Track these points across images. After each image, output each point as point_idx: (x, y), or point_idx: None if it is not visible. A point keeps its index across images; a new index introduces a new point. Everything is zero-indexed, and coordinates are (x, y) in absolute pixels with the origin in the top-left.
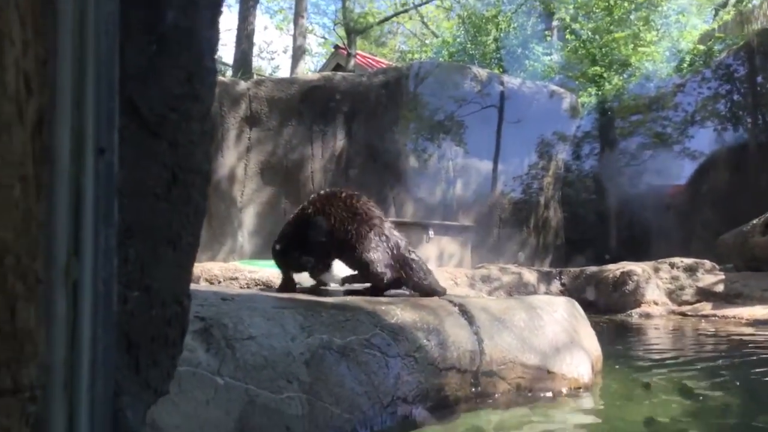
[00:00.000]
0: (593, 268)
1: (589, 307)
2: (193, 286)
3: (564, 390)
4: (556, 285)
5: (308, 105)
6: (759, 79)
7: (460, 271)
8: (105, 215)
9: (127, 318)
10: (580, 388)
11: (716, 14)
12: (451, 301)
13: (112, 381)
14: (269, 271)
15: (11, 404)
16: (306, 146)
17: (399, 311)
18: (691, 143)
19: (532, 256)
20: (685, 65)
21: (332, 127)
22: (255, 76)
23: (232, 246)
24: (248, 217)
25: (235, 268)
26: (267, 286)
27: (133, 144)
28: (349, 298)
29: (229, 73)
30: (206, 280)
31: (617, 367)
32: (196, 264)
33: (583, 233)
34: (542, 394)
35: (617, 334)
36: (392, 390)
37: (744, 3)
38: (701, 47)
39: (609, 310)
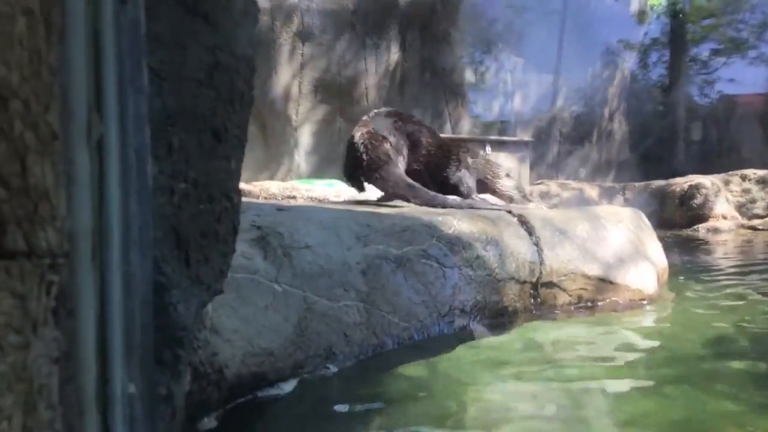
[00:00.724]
0: (659, 182)
1: (654, 221)
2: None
3: (627, 301)
4: (619, 200)
5: (361, 16)
6: None
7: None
8: (132, 76)
9: (174, 210)
10: (644, 299)
11: None
12: (510, 212)
13: (150, 260)
14: (326, 189)
15: (26, 268)
16: (360, 61)
17: (456, 222)
18: None
19: (595, 171)
20: None
21: (386, 39)
22: None
23: (289, 165)
24: (304, 136)
25: (293, 187)
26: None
27: (169, 21)
28: (406, 209)
29: None
30: (264, 198)
31: (681, 279)
32: (254, 183)
33: (649, 146)
34: (604, 305)
35: (682, 247)
36: (449, 300)
37: None
38: None
39: (676, 224)
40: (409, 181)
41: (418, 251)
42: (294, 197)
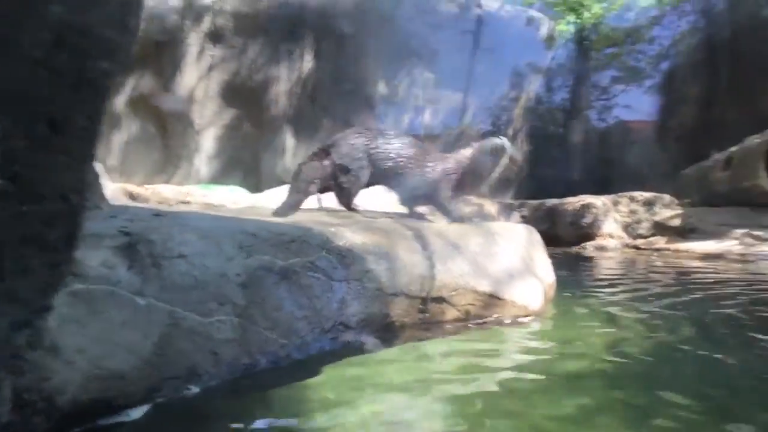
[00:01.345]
0: (553, 201)
1: (547, 239)
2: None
3: (513, 317)
4: (515, 217)
5: (275, 22)
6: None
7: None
8: None
9: None
10: (529, 315)
11: None
12: (406, 225)
13: None
14: (225, 196)
15: None
16: (272, 67)
17: (349, 233)
18: (663, 78)
19: (495, 187)
20: None
21: (300, 47)
22: None
23: (188, 169)
24: (207, 140)
25: (188, 192)
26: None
27: None
28: (302, 218)
29: None
30: (156, 202)
31: (568, 295)
32: (146, 186)
33: (548, 167)
34: (491, 321)
35: (571, 265)
36: (335, 315)
37: None
38: None
39: (567, 242)
40: None
41: (305, 263)
42: (188, 202)
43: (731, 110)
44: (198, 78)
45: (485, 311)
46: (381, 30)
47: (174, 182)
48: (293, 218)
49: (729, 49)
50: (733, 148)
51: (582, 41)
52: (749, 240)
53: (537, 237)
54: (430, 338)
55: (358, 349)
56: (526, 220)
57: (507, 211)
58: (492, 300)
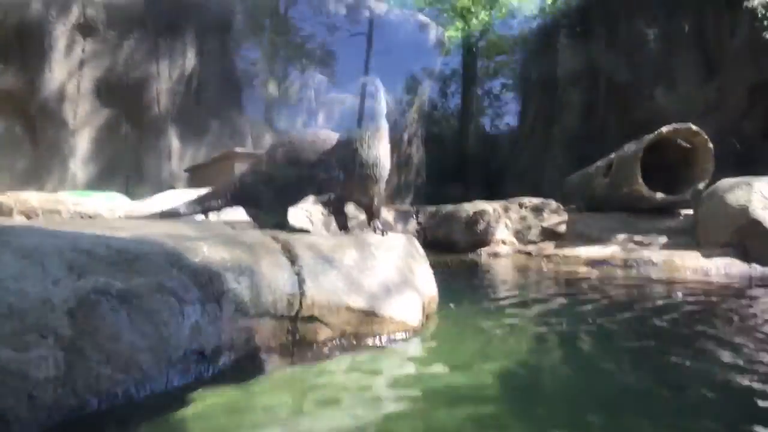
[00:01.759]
0: (449, 207)
1: (443, 245)
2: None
3: (391, 335)
4: (413, 224)
5: (154, 15)
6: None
7: (316, 208)
8: None
9: None
10: (408, 331)
11: None
12: (274, 238)
13: None
14: (101, 204)
15: None
16: (151, 63)
17: (206, 248)
18: (548, 87)
19: (393, 194)
20: (548, 4)
21: (181, 43)
22: None
23: (62, 175)
24: (82, 142)
25: (56, 200)
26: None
27: None
28: (152, 231)
29: None
30: (22, 213)
31: (452, 306)
32: (8, 193)
33: (443, 172)
34: (368, 340)
35: (462, 273)
36: (186, 343)
37: None
38: None
39: (462, 248)
40: None
41: (151, 284)
42: (58, 211)
43: (610, 118)
44: (68, 74)
45: (362, 329)
46: (272, 28)
47: (48, 189)
48: (143, 231)
49: (607, 59)
50: (612, 155)
51: (471, 48)
52: (631, 245)
53: (418, 248)
54: (302, 363)
55: (214, 381)
56: (422, 226)
57: (404, 217)
58: (368, 317)
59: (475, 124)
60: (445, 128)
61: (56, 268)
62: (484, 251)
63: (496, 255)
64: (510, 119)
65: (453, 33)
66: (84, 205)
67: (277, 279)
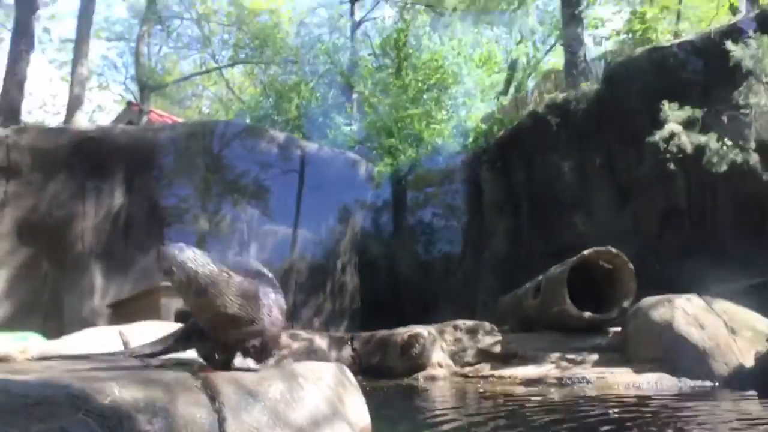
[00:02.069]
0: (383, 332)
1: (379, 371)
2: None
3: None
4: (347, 350)
5: (81, 158)
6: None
7: None
8: None
9: None
10: None
11: (497, 99)
12: (194, 374)
13: None
14: (11, 344)
15: None
16: (76, 203)
17: (117, 389)
18: (476, 215)
19: (328, 320)
20: (470, 142)
21: (109, 183)
22: (20, 125)
23: None
24: (0, 282)
25: None
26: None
27: None
28: (59, 375)
29: None
30: None
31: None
32: None
33: (378, 298)
34: None
35: (397, 398)
36: None
37: (521, 91)
38: (483, 126)
39: (398, 374)
40: None
41: (52, 429)
42: None
43: (536, 243)
44: None
45: None
46: (202, 164)
47: None
48: (50, 374)
49: (527, 190)
50: (540, 277)
51: (400, 181)
52: (564, 363)
53: (349, 376)
54: None
55: None
56: (357, 352)
57: (338, 344)
58: None
59: (408, 250)
60: (379, 256)
61: None
62: (420, 375)
63: (433, 378)
64: (442, 245)
65: (382, 168)
66: None
67: (194, 418)
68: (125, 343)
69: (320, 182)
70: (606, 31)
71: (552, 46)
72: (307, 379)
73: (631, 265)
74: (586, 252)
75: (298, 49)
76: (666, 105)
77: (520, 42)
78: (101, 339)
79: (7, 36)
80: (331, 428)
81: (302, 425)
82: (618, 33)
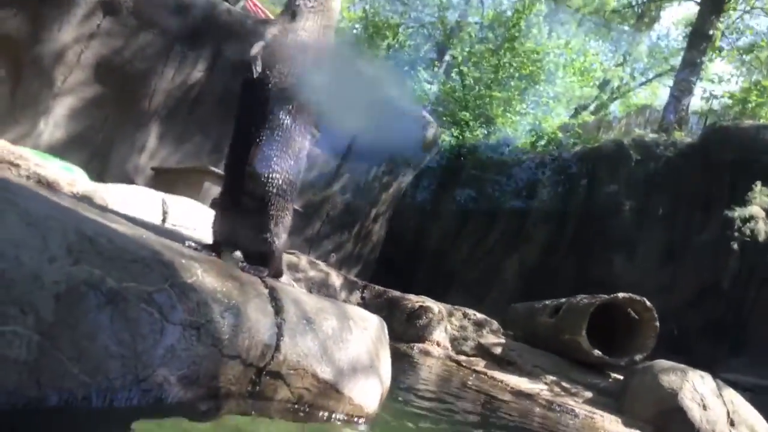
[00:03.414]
0: (396, 293)
1: None
2: None
3: (346, 415)
4: (356, 296)
5: (179, 20)
6: (585, 181)
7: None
8: None
9: None
10: (362, 416)
11: (576, 113)
12: (264, 282)
13: None
14: (60, 172)
15: None
16: (159, 60)
17: (200, 272)
18: (513, 214)
19: (344, 260)
20: (542, 145)
21: (195, 53)
22: None
23: (29, 130)
24: (61, 108)
25: (20, 155)
26: (51, 189)
27: None
28: (152, 237)
29: None
30: None
31: (400, 399)
32: None
33: (397, 257)
34: (320, 414)
35: (395, 365)
36: (157, 363)
37: (605, 112)
38: (559, 135)
39: (396, 337)
40: None
41: (141, 292)
42: (18, 165)
43: (567, 264)
44: (75, 40)
45: (319, 401)
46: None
47: (8, 137)
48: (141, 232)
49: (580, 210)
50: (562, 300)
51: (460, 156)
52: (557, 389)
53: (386, 334)
54: (254, 415)
55: (168, 410)
56: (364, 303)
57: (350, 287)
58: (330, 390)
59: (442, 223)
60: (413, 218)
61: (56, 246)
62: (417, 346)
63: (427, 354)
64: (476, 231)
65: (446, 138)
66: (47, 170)
67: (258, 325)
68: (165, 213)
69: (384, 127)
70: (718, 88)
71: (648, 81)
72: (356, 324)
73: (657, 324)
74: (620, 295)
75: None
76: (758, 186)
77: (620, 65)
78: (143, 198)
79: None
80: (366, 379)
81: (343, 368)
82: (732, 96)
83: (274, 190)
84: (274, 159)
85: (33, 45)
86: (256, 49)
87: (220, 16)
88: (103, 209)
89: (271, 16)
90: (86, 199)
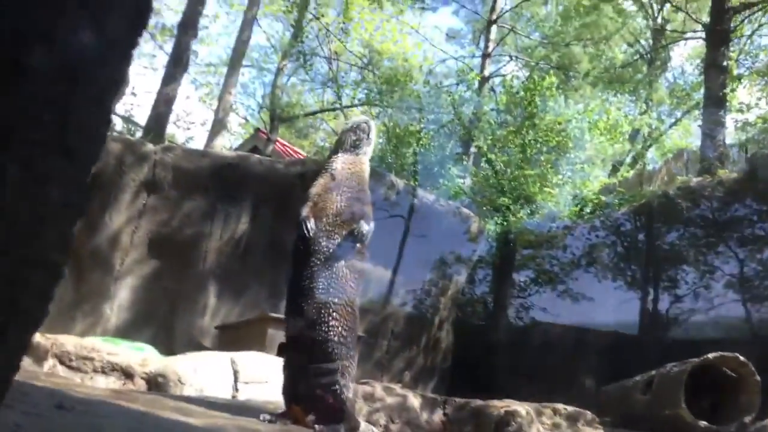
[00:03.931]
0: (478, 402)
1: None
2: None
3: None
4: (438, 414)
5: (216, 181)
6: (643, 236)
7: None
8: None
9: None
10: None
11: (613, 170)
12: None
13: None
14: (131, 354)
15: None
16: (206, 223)
17: None
18: (574, 285)
19: (418, 376)
20: (587, 211)
21: (237, 208)
22: (166, 142)
23: (97, 318)
24: (123, 290)
25: (92, 347)
26: (125, 374)
27: None
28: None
29: (139, 134)
30: (56, 356)
31: None
32: (47, 335)
33: (470, 360)
34: None
35: None
36: None
37: (643, 162)
38: (603, 198)
39: None
40: None
41: None
42: (92, 359)
43: (650, 334)
44: (126, 223)
45: None
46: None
47: (76, 331)
48: (219, 422)
49: (642, 270)
50: (653, 372)
51: (508, 242)
52: None
53: None
54: None
55: None
56: (448, 418)
57: (431, 406)
58: None
59: (507, 315)
60: (477, 316)
61: None
62: None
63: None
64: (536, 313)
65: (490, 226)
66: (120, 356)
67: None
68: (236, 372)
69: (427, 232)
70: (751, 116)
71: (678, 120)
72: None
73: (757, 377)
74: (710, 355)
75: (424, 97)
76: None
77: (644, 113)
78: (212, 364)
79: (160, 55)
80: None
81: None
82: (765, 121)
83: (334, 320)
84: (331, 290)
85: (89, 237)
86: (306, 211)
87: (253, 168)
88: (177, 398)
89: (301, 152)
90: (160, 377)
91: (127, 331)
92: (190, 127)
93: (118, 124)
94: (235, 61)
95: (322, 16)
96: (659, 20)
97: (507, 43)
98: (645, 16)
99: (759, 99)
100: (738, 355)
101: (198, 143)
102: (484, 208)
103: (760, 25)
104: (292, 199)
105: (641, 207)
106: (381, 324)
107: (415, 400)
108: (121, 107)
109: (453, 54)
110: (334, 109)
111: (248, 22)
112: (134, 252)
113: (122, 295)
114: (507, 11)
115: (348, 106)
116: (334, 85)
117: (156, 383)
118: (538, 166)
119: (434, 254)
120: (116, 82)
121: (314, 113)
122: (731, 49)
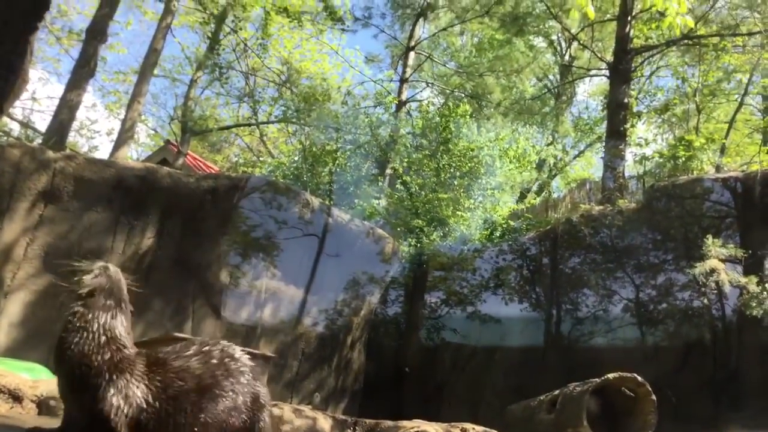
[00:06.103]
0: (388, 423)
1: None
2: None
3: None
4: None
5: (121, 193)
6: (547, 260)
7: None
8: None
9: None
10: None
11: (521, 196)
12: None
13: None
14: (20, 379)
15: None
16: (107, 237)
17: None
18: (482, 307)
19: (329, 397)
20: (496, 235)
21: (143, 222)
22: (68, 150)
23: None
24: (14, 306)
25: None
26: (13, 397)
27: None
28: None
29: (38, 141)
30: None
31: None
32: None
33: (382, 380)
34: None
35: None
36: None
37: (548, 193)
38: (511, 223)
39: None
40: None
41: None
42: None
43: (552, 352)
44: (20, 235)
45: None
46: (235, 218)
47: None
48: None
49: (548, 300)
50: (557, 392)
51: (421, 263)
52: None
53: None
54: None
55: None
56: None
57: (341, 427)
58: None
59: (418, 336)
60: (388, 337)
61: None
62: None
63: None
64: (446, 334)
65: (405, 248)
66: (5, 377)
67: None
68: None
69: (341, 251)
70: (648, 150)
71: (581, 152)
72: None
73: (654, 397)
74: (610, 376)
75: (341, 117)
76: (710, 240)
77: (550, 144)
78: None
79: (66, 60)
80: None
81: None
82: (662, 155)
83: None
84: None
85: None
86: None
87: (161, 180)
88: None
89: (214, 167)
90: (52, 400)
91: (17, 351)
92: (94, 136)
93: (15, 129)
94: (145, 70)
95: (240, 29)
96: (567, 57)
97: (424, 69)
98: (554, 52)
99: (656, 135)
100: (636, 375)
101: (103, 153)
102: (398, 230)
103: (658, 67)
104: (202, 214)
105: (546, 232)
106: (292, 344)
107: (325, 422)
108: (19, 112)
109: (371, 77)
110: (249, 125)
111: (162, 31)
112: (28, 265)
113: (13, 311)
114: (425, 39)
115: (264, 122)
116: (250, 100)
117: (47, 406)
118: (452, 190)
119: (348, 274)
120: (10, 67)
121: (229, 127)
122: (632, 87)
